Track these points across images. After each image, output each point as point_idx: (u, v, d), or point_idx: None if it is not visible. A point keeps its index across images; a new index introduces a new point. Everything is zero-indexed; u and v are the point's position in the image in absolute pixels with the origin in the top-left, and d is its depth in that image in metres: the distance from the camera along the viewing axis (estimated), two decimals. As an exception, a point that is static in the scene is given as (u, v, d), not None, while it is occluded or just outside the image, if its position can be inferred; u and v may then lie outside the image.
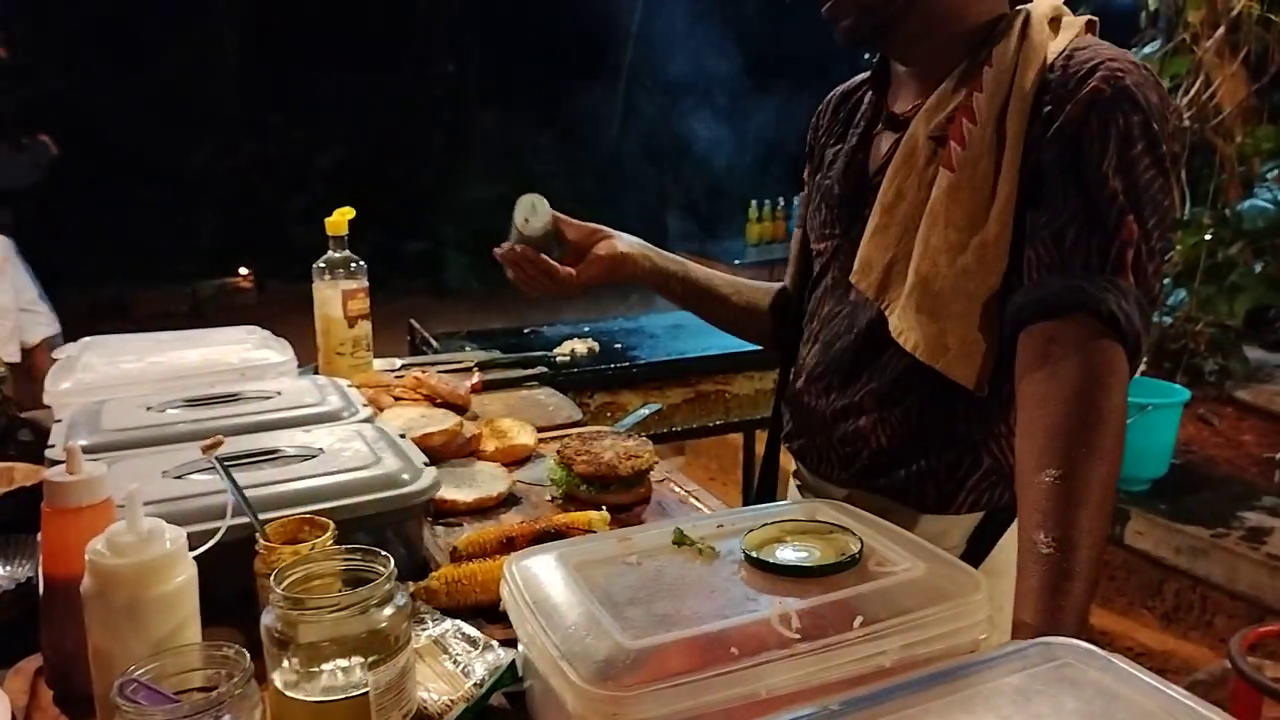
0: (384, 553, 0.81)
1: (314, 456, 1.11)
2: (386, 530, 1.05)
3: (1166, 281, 3.44)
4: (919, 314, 1.03)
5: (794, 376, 1.25)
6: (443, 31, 9.22)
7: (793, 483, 1.29)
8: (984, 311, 1.00)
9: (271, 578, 0.77)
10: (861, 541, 0.85)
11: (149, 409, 1.28)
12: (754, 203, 5.88)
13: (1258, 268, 3.29)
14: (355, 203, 1.73)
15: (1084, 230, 0.92)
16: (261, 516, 0.91)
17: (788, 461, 1.30)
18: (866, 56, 1.26)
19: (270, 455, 1.11)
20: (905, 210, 1.06)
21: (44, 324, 3.47)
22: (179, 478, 1.04)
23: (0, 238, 3.42)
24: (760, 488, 1.37)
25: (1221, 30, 3.21)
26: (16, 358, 3.30)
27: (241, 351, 1.59)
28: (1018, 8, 1.05)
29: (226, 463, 0.92)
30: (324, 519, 0.92)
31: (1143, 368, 3.31)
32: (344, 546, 0.84)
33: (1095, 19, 1.04)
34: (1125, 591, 2.72)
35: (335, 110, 8.95)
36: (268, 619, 0.76)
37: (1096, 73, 0.93)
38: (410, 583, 1.01)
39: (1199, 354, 3.29)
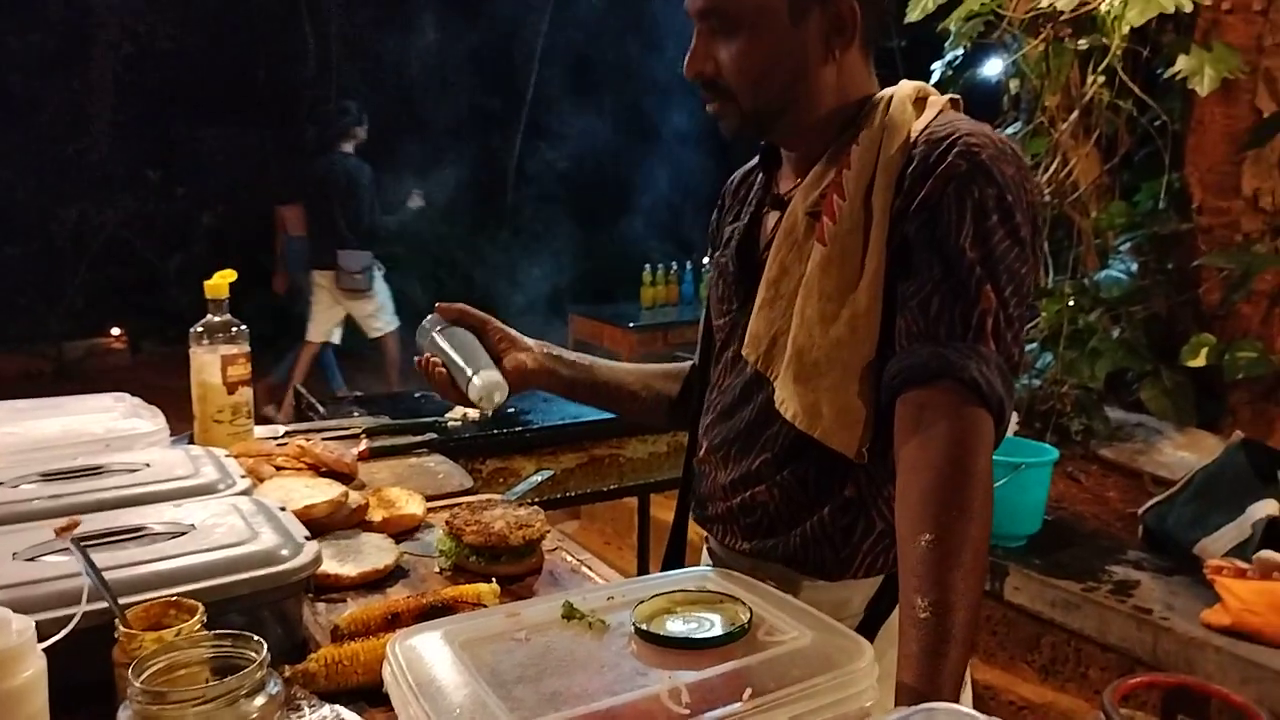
0: (256, 637, 0.77)
1: (184, 533, 1.05)
2: (262, 610, 1.00)
3: (1034, 346, 3.63)
4: (796, 384, 1.06)
5: (697, 449, 1.26)
6: (332, 84, 9.11)
7: (704, 553, 1.29)
8: (860, 380, 1.03)
9: (130, 669, 0.72)
10: (751, 611, 0.85)
11: (1, 485, 1.20)
12: (647, 267, 5.97)
13: (1115, 333, 3.52)
14: (242, 260, 1.68)
15: (946, 300, 0.96)
16: (123, 600, 0.85)
17: (696, 530, 1.31)
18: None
19: (135, 533, 1.05)
20: (789, 285, 1.09)
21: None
22: (31, 560, 0.97)
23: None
24: (668, 557, 1.37)
25: (1075, 114, 3.48)
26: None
27: (108, 420, 1.51)
28: (883, 91, 1.11)
29: (85, 542, 0.86)
30: (192, 601, 0.86)
31: (1015, 428, 3.47)
32: (213, 631, 0.79)
33: (959, 97, 1.11)
34: (1006, 646, 2.81)
35: (221, 165, 8.70)
36: (124, 715, 0.70)
37: (954, 149, 0.98)
38: (287, 666, 0.96)
39: (1065, 414, 3.47)
